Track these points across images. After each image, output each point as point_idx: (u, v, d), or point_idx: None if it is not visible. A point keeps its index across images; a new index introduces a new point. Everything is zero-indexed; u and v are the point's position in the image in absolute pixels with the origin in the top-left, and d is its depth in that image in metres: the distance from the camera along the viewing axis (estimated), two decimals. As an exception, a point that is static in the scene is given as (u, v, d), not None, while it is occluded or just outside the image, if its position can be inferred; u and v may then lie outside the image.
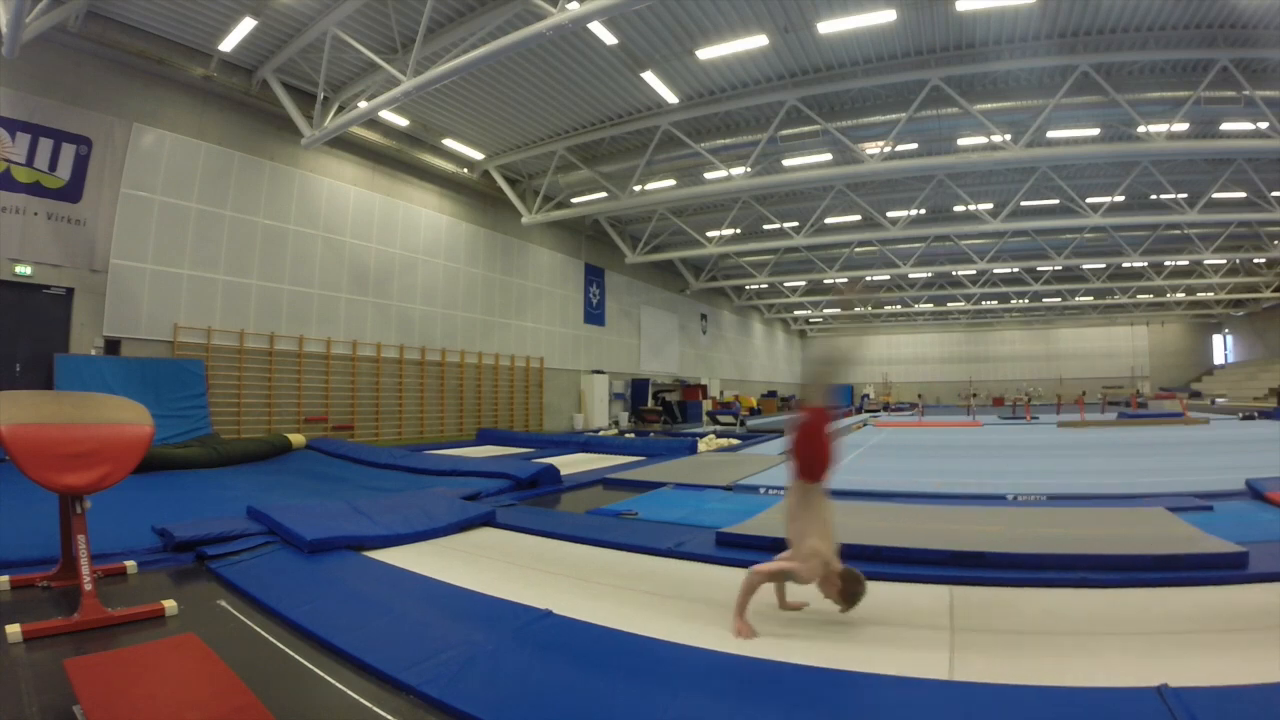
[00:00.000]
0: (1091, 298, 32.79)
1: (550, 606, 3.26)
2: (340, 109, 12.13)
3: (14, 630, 2.88)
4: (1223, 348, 37.47)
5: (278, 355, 12.32)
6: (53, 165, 9.46)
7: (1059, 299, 33.28)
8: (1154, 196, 18.07)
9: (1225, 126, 13.47)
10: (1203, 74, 11.36)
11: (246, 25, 10.30)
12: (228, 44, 10.76)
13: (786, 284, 30.90)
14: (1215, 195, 16.78)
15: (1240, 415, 19.57)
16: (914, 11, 10.27)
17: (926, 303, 35.85)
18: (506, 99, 13.23)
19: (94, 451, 3.41)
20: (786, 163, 15.72)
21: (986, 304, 34.85)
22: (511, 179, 17.43)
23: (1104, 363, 39.76)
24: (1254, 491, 6.15)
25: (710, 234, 21.84)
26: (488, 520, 5.60)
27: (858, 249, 24.39)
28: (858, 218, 20.13)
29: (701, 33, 10.90)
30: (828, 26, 10.54)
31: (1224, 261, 25.79)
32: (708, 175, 16.47)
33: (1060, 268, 26.90)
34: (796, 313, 39.61)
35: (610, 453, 12.23)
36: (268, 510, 4.99)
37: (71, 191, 9.65)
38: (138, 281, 10.37)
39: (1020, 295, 32.65)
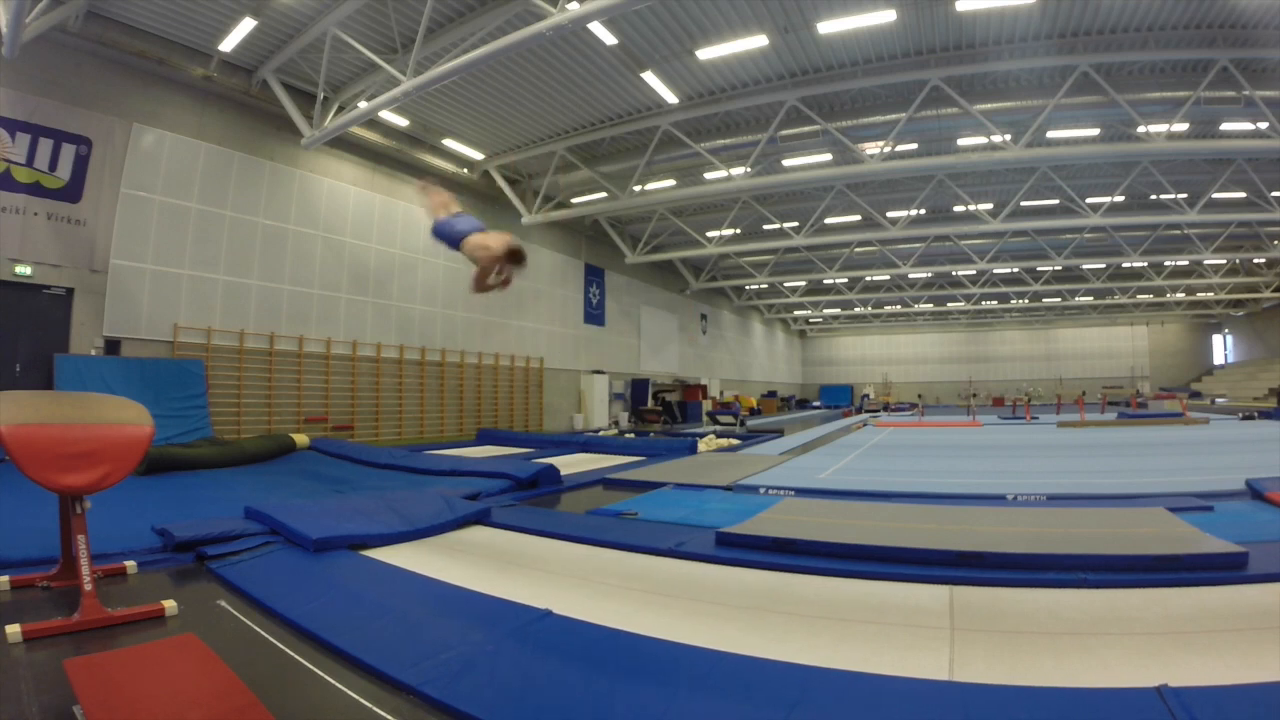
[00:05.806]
0: (1091, 298, 32.79)
1: (550, 606, 3.25)
2: (340, 109, 12.13)
3: (14, 630, 2.88)
4: (1223, 348, 37.47)
5: (278, 355, 12.31)
6: (53, 165, 9.45)
7: (1059, 299, 33.28)
8: (1154, 196, 18.07)
9: (1225, 126, 13.49)
10: (1203, 74, 11.36)
11: (246, 25, 10.29)
12: (228, 44, 10.76)
13: (786, 284, 30.91)
14: (1215, 195, 16.79)
15: (1240, 415, 19.55)
16: (914, 11, 10.28)
17: (926, 303, 35.86)
18: (506, 99, 13.23)
19: (94, 451, 3.41)
20: (786, 163, 15.72)
21: (986, 304, 34.86)
22: (511, 179, 17.42)
23: (1104, 363, 39.76)
24: (1254, 491, 6.15)
25: (710, 234, 21.84)
26: (487, 520, 5.60)
27: (858, 249, 24.42)
28: (858, 218, 20.14)
29: (701, 33, 10.90)
30: (828, 26, 10.54)
31: (1224, 261, 25.80)
32: (708, 175, 16.47)
33: (1060, 268, 26.92)
34: (796, 313, 39.63)
35: (610, 453, 12.22)
36: (269, 510, 4.98)
37: (71, 192, 9.65)
38: (138, 282, 10.37)
39: (1020, 295, 32.65)
